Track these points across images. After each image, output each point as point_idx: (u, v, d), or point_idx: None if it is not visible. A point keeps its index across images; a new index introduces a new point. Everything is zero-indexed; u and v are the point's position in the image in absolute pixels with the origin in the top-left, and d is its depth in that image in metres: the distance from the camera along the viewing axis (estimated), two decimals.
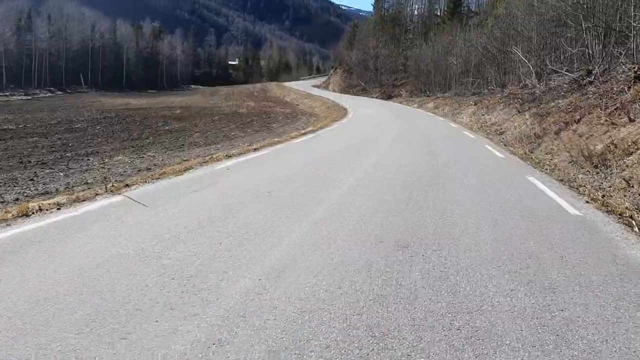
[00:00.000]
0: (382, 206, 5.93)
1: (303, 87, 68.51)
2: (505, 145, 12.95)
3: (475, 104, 25.23)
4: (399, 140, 14.73)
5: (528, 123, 14.90)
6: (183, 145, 15.99)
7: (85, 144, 15.77)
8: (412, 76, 51.09)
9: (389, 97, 50.77)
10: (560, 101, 14.76)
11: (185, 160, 10.58)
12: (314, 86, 74.54)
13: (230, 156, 10.49)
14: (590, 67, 16.67)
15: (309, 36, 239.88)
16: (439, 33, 50.80)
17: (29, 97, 58.76)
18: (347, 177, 7.82)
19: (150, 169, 9.70)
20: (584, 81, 15.82)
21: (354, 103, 41.35)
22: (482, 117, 21.24)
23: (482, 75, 33.34)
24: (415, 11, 67.93)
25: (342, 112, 33.05)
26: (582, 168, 8.51)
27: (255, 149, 11.83)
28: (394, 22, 65.88)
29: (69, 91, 70.55)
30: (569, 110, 12.56)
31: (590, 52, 16.83)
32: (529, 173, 8.78)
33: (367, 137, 15.24)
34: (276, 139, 14.45)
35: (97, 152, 13.57)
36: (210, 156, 10.93)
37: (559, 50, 20.49)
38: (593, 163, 8.40)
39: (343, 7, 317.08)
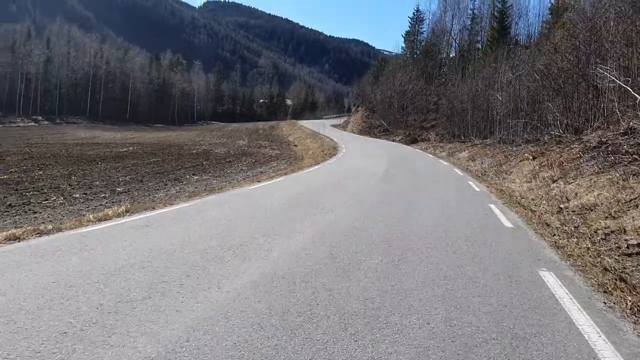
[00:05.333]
0: None
1: (318, 126, 58.84)
2: None
3: (534, 158, 14.77)
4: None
5: None
6: None
7: None
8: (444, 117, 40.73)
9: (413, 142, 40.47)
10: None
11: None
12: (332, 126, 64.90)
13: None
14: None
15: (347, 79, 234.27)
16: (479, 67, 40.49)
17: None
18: None
19: None
20: None
21: (357, 148, 31.76)
22: (554, 185, 10.74)
23: (540, 116, 22.77)
24: (453, 43, 57.83)
25: (328, 157, 23.31)
26: None
27: None
28: (427, 55, 56.10)
29: (58, 121, 63.43)
30: None
31: None
32: None
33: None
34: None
35: None
36: None
37: None
38: None
39: (385, 52, 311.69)
